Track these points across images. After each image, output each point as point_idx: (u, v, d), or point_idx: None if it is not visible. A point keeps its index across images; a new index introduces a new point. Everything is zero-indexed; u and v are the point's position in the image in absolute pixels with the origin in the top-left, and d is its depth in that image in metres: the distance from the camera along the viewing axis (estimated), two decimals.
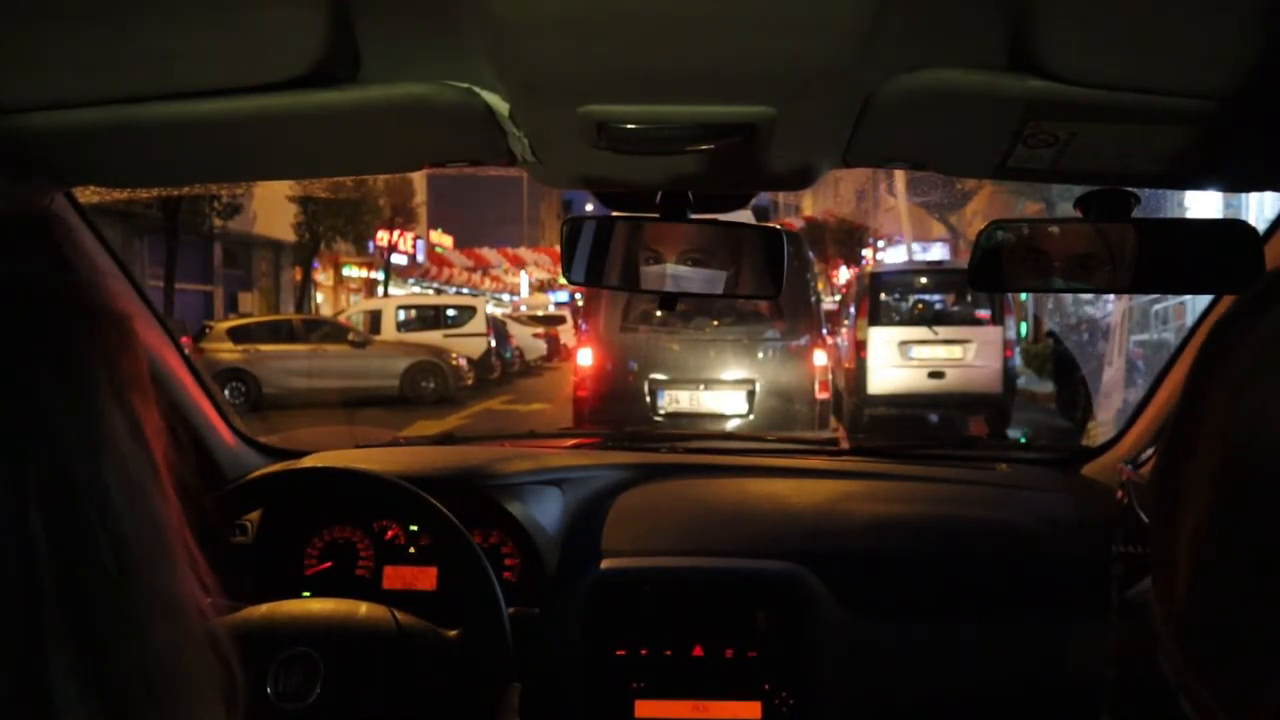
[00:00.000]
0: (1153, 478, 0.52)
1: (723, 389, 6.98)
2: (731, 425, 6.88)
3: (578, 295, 19.52)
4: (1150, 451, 1.64)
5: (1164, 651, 0.50)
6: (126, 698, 0.45)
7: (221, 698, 0.50)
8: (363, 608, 1.26)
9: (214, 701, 0.50)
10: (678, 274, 1.20)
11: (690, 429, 5.88)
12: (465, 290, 31.52)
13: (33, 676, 0.42)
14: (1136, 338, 10.60)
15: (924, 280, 10.71)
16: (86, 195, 1.32)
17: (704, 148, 0.92)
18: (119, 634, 0.45)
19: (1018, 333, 11.17)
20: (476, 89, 0.89)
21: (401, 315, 17.92)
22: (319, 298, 26.27)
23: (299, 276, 23.53)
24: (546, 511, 1.61)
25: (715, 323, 7.10)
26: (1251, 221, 1.13)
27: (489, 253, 29.87)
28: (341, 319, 17.63)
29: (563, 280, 1.32)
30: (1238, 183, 1.26)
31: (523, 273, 36.21)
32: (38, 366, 0.44)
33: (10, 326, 0.44)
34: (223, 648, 0.51)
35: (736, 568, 1.53)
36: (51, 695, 0.42)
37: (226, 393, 12.84)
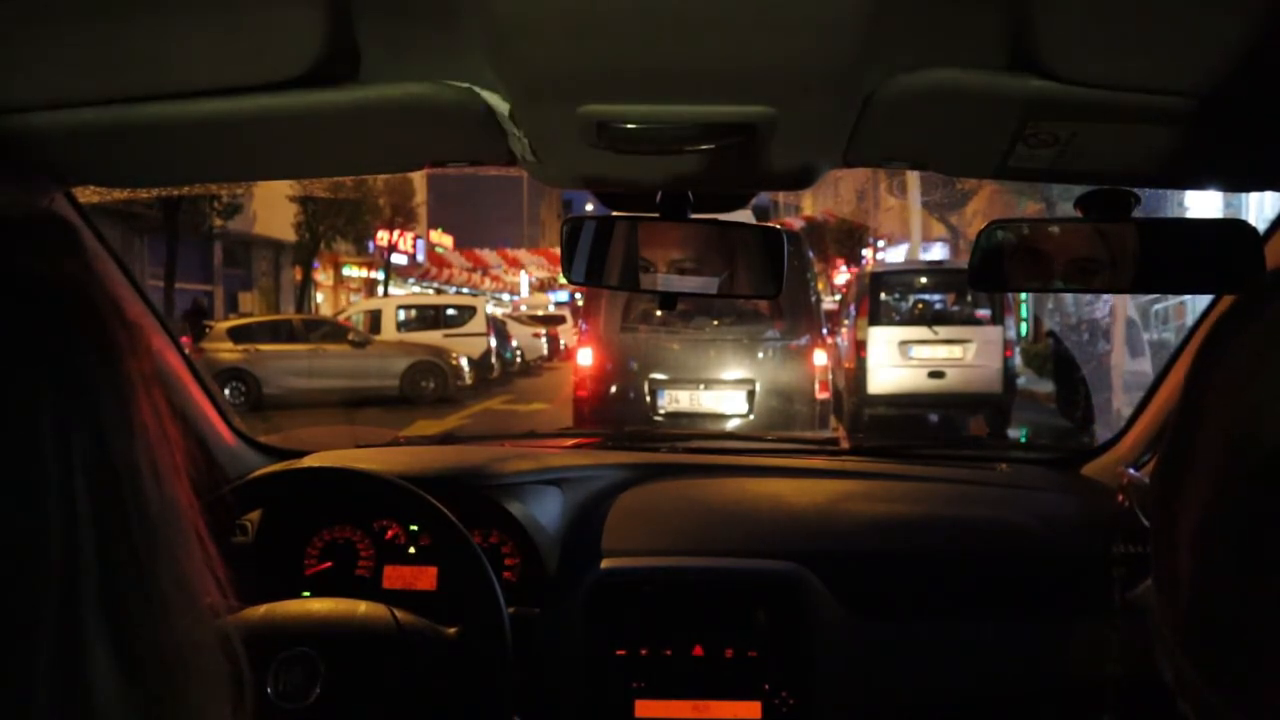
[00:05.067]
0: (1153, 478, 0.52)
1: (723, 389, 6.98)
2: (731, 425, 6.88)
3: (578, 295, 19.51)
4: (1148, 455, 1.64)
5: (1164, 651, 0.50)
6: (148, 680, 0.47)
7: (229, 694, 0.52)
8: (362, 607, 1.26)
9: (224, 696, 0.52)
10: (678, 274, 1.20)
11: (690, 429, 5.88)
12: (465, 290, 31.52)
13: (69, 640, 0.44)
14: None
15: (924, 280, 10.70)
16: (86, 195, 1.32)
17: (704, 148, 0.92)
18: (143, 614, 0.47)
19: (1017, 332, 11.17)
20: (476, 89, 0.89)
21: (401, 315, 17.91)
22: (319, 297, 26.26)
23: (299, 276, 23.52)
24: (546, 511, 1.61)
25: (715, 322, 7.09)
26: (1251, 221, 1.13)
27: (487, 254, 29.87)
28: (341, 319, 17.63)
29: (562, 280, 1.32)
30: (1238, 183, 1.26)
31: (522, 272, 36.22)
32: (83, 352, 0.48)
33: (58, 316, 0.48)
34: (231, 645, 0.52)
35: (736, 568, 1.52)
36: (86, 664, 0.44)
37: (226, 393, 12.84)
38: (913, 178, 17.17)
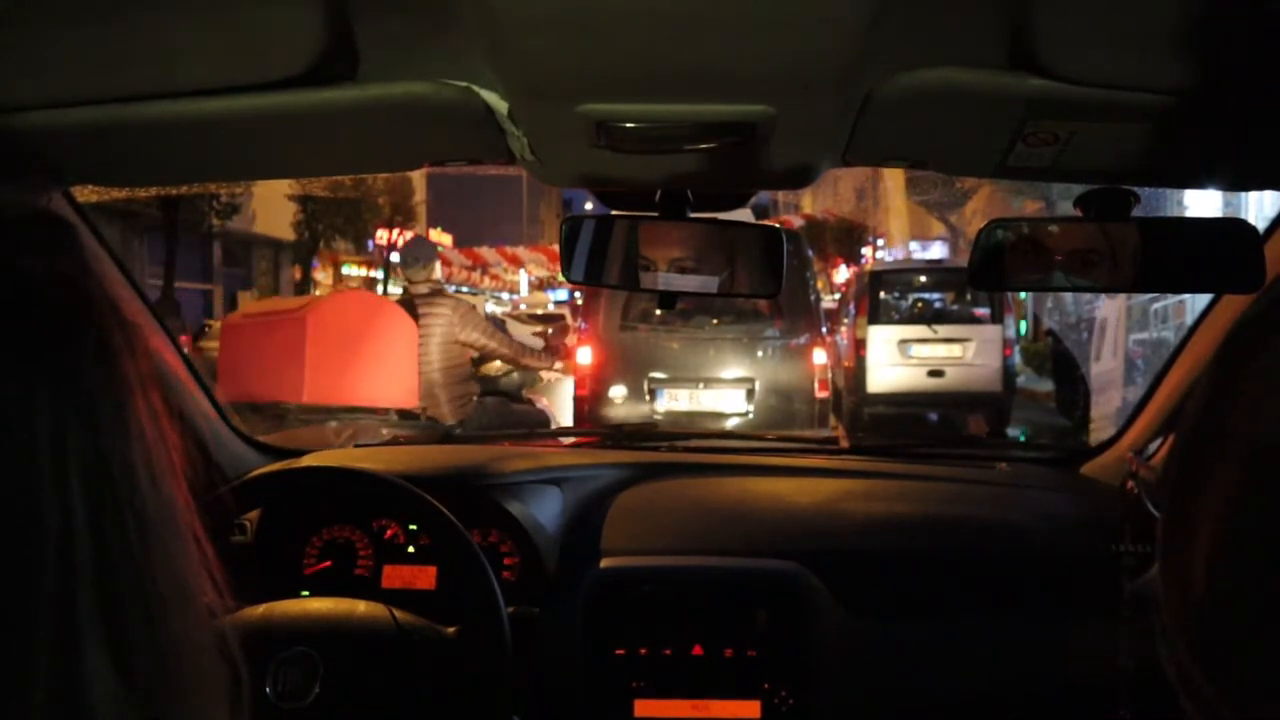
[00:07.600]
0: (1167, 476, 0.51)
1: (722, 388, 6.97)
2: (731, 424, 6.87)
3: (577, 294, 19.51)
4: (1156, 444, 1.63)
5: (1167, 648, 0.49)
6: (145, 681, 0.46)
7: (227, 694, 0.52)
8: (361, 606, 1.26)
9: (221, 696, 0.51)
10: (677, 273, 1.20)
11: (690, 428, 5.88)
12: (465, 289, 31.48)
13: (66, 641, 0.44)
14: (1136, 337, 10.59)
15: (923, 279, 10.70)
16: (86, 195, 1.32)
17: (704, 147, 0.92)
18: (140, 615, 0.47)
19: (1017, 331, 11.17)
20: (476, 88, 0.89)
21: None
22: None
23: (299, 275, 23.54)
24: (546, 511, 1.61)
25: (715, 321, 7.09)
26: (1251, 221, 1.13)
27: (486, 251, 29.85)
28: None
29: (562, 278, 1.32)
30: (1238, 183, 1.26)
31: (522, 271, 36.20)
32: (79, 351, 0.48)
33: (54, 315, 0.47)
34: (229, 645, 0.52)
35: (736, 567, 1.52)
36: (82, 665, 0.44)
37: None
38: (897, 181, 17.14)
